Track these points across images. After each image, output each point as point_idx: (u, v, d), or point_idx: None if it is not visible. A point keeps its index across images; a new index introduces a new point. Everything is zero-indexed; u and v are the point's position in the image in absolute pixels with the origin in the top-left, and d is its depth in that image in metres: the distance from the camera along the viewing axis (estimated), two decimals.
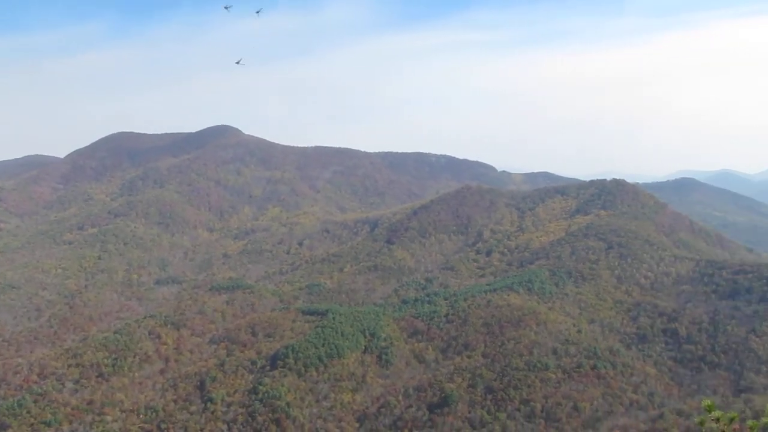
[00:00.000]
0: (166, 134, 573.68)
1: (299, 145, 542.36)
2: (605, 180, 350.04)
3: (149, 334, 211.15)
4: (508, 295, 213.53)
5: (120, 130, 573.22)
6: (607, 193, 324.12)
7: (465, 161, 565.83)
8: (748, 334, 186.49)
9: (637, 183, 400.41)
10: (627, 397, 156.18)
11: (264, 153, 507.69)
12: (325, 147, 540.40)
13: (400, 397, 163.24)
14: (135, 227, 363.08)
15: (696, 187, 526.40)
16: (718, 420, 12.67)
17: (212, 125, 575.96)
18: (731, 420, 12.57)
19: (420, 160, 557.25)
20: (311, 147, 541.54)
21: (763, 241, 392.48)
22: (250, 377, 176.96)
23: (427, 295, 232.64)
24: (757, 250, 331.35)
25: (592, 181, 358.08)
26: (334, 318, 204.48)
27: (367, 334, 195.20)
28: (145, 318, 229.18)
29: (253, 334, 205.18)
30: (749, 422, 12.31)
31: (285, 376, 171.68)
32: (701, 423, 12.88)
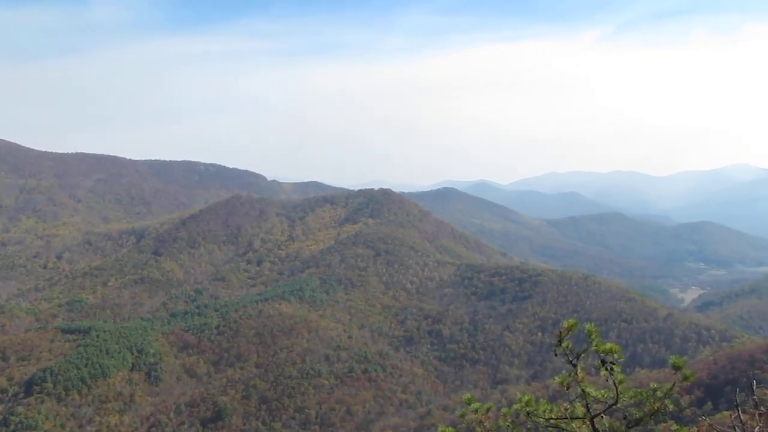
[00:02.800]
0: None
1: (58, 151, 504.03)
2: (373, 189, 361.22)
3: None
4: (280, 304, 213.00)
5: None
6: (375, 202, 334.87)
7: (235, 170, 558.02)
8: (503, 331, 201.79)
9: (403, 192, 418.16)
10: (397, 397, 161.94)
11: (16, 159, 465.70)
12: (87, 153, 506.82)
13: (172, 415, 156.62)
14: None
15: (456, 196, 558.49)
16: (476, 411, 13.19)
17: None
18: (488, 410, 13.24)
19: (189, 168, 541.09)
20: (71, 153, 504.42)
21: (515, 245, 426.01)
22: (0, 407, 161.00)
23: (198, 307, 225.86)
24: (510, 254, 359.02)
25: (360, 191, 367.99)
26: (97, 335, 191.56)
27: (134, 350, 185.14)
28: None
29: (4, 358, 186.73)
30: (503, 410, 12.99)
31: (42, 402, 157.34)
32: (462, 415, 13.44)
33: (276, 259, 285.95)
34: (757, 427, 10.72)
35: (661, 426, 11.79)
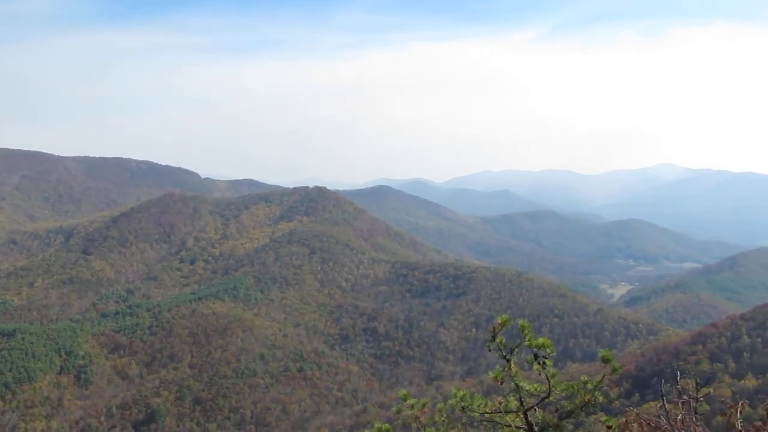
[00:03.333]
0: None
1: None
2: (308, 187, 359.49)
3: None
4: (214, 303, 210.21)
5: None
6: (310, 200, 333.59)
7: (168, 167, 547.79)
8: (437, 328, 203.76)
9: (338, 190, 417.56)
10: (333, 395, 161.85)
11: None
12: (12, 149, 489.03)
13: (102, 418, 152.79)
14: None
15: (391, 193, 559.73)
16: (412, 407, 13.32)
17: None
18: (423, 406, 13.36)
19: (120, 165, 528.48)
20: None
21: (450, 243, 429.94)
22: None
23: (129, 308, 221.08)
24: (444, 251, 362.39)
25: (295, 189, 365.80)
26: (23, 338, 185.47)
27: (62, 353, 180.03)
28: None
29: None
30: (439, 405, 13.13)
31: None
32: (398, 411, 13.53)
33: (210, 258, 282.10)
34: (680, 415, 11.05)
35: (592, 417, 12.09)
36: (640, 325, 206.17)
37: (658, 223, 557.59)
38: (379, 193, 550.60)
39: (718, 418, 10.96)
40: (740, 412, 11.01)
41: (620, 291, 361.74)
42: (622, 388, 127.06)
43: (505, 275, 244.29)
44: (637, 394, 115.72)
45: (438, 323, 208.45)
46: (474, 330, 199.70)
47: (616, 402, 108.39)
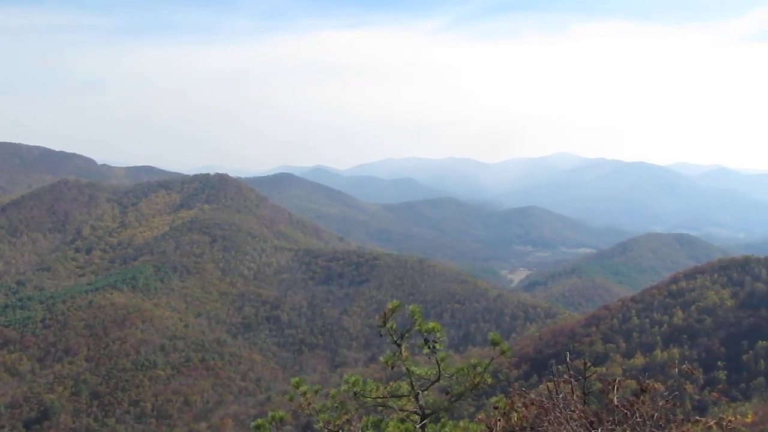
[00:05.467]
0: None
1: None
2: (209, 174, 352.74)
3: None
4: (112, 294, 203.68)
5: None
6: (211, 187, 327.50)
7: (62, 153, 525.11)
8: (341, 315, 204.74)
9: (240, 177, 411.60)
10: (236, 385, 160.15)
11: None
12: None
13: None
14: None
15: (293, 181, 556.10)
16: (305, 394, 13.50)
17: None
18: (316, 392, 13.61)
19: (9, 151, 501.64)
20: None
21: (352, 230, 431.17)
22: None
23: (20, 300, 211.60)
24: (347, 238, 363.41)
25: (196, 176, 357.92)
26: None
27: None
28: None
29: None
30: (332, 392, 13.40)
31: None
32: (290, 399, 13.84)
33: (107, 247, 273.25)
34: (562, 394, 11.52)
35: (493, 399, 12.60)
36: (538, 309, 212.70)
37: (555, 210, 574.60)
38: (282, 180, 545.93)
39: (611, 396, 11.49)
40: (617, 389, 11.42)
41: (519, 276, 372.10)
42: (521, 370, 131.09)
43: (407, 262, 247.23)
44: (535, 376, 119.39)
45: (341, 310, 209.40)
46: (377, 317, 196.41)
47: (516, 384, 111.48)
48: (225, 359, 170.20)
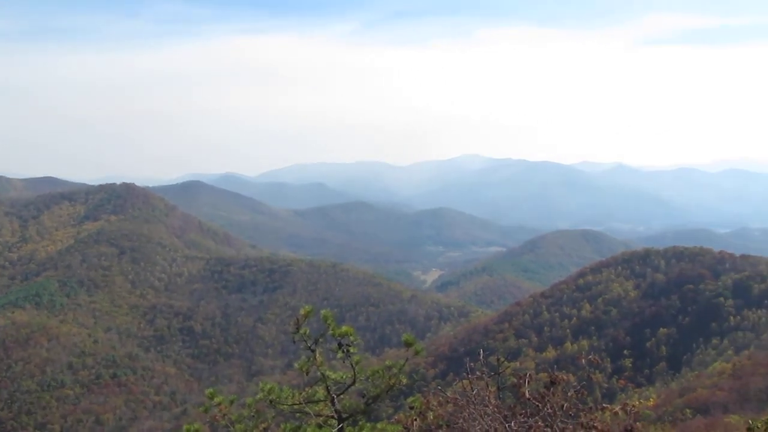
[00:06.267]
0: None
1: None
2: (115, 184, 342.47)
3: None
4: (13, 313, 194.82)
5: None
6: (117, 198, 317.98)
7: None
8: (255, 323, 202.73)
9: (147, 186, 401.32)
10: (150, 399, 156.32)
11: None
12: None
13: None
14: None
15: (203, 189, 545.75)
16: (220, 404, 13.49)
17: None
18: (231, 402, 13.59)
19: None
20: None
21: (264, 237, 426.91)
22: None
23: None
24: (259, 246, 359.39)
25: (101, 186, 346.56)
26: None
27: None
28: None
29: None
30: (247, 400, 13.45)
31: None
32: (205, 410, 13.71)
33: (6, 263, 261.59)
34: (475, 390, 11.89)
35: (410, 399, 12.96)
36: (452, 308, 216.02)
37: (465, 210, 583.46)
38: (191, 188, 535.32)
39: (523, 389, 11.99)
40: (529, 382, 11.88)
41: (432, 277, 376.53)
42: (437, 369, 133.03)
43: (320, 267, 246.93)
44: (451, 374, 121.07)
45: (256, 318, 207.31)
46: (291, 323, 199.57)
47: (433, 383, 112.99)
48: (138, 374, 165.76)
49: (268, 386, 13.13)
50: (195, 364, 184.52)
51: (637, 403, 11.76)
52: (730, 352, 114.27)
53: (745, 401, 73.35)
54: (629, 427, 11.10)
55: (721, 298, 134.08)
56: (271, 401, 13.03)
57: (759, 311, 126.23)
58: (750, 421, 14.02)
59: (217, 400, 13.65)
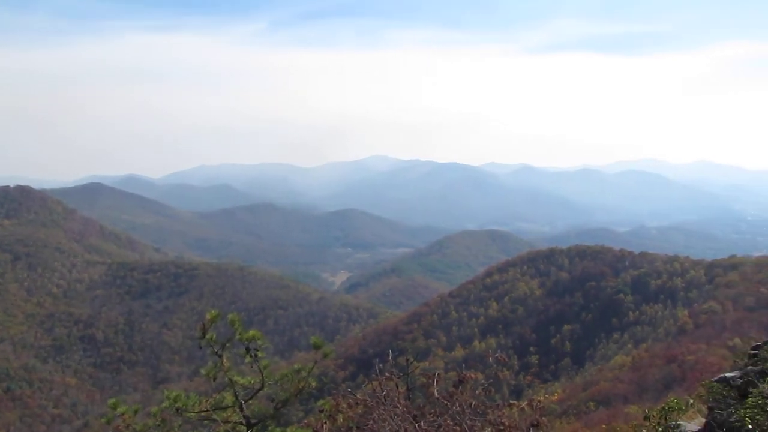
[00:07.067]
0: None
1: None
2: (9, 187, 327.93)
3: None
4: None
5: None
6: (11, 201, 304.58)
7: None
8: (161, 329, 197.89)
9: (45, 189, 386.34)
10: (48, 413, 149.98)
11: None
12: None
13: None
14: None
15: (104, 191, 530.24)
16: (123, 414, 12.99)
17: None
18: (135, 412, 13.14)
19: None
20: None
21: (169, 240, 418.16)
22: None
23: None
24: (164, 249, 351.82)
25: None
26: None
27: None
28: None
29: None
30: (153, 409, 12.95)
31: None
32: (108, 421, 13.08)
33: None
34: (385, 391, 11.80)
35: (320, 402, 12.62)
36: (361, 309, 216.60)
37: (373, 212, 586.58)
38: (91, 191, 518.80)
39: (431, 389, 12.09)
40: (437, 382, 12.10)
41: (341, 278, 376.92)
42: (347, 371, 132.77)
43: (227, 270, 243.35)
44: (361, 375, 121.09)
45: (161, 324, 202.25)
46: (198, 328, 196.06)
47: (343, 385, 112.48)
48: (34, 386, 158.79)
49: (174, 394, 12.67)
50: (97, 374, 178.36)
51: (543, 398, 12.23)
52: (629, 345, 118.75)
53: (643, 392, 76.08)
54: (535, 422, 11.40)
55: (622, 294, 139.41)
56: (177, 409, 12.56)
57: (656, 306, 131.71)
58: (646, 411, 14.95)
59: (120, 410, 13.13)
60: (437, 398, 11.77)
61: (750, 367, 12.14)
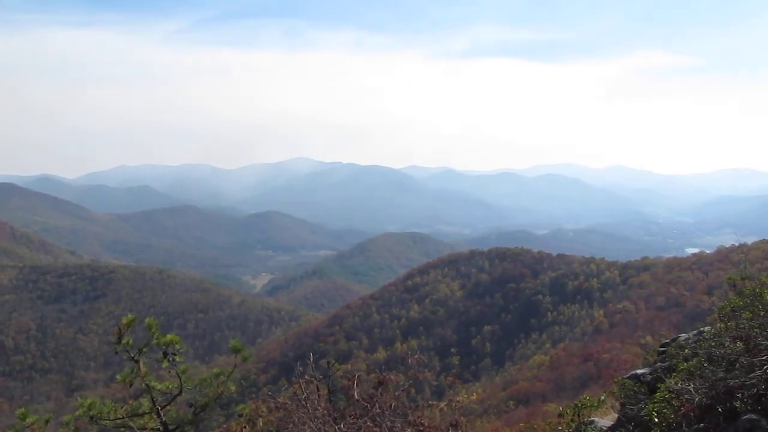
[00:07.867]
0: None
1: None
2: None
3: None
4: None
5: None
6: None
7: None
8: (76, 335, 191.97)
9: None
10: None
11: None
12: None
13: None
14: None
15: (15, 192, 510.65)
16: (32, 424, 12.33)
17: None
18: (46, 422, 12.53)
19: None
20: None
21: (85, 243, 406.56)
22: None
23: None
24: (79, 252, 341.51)
25: None
26: None
27: None
28: None
29: None
30: (65, 418, 12.52)
31: None
32: (17, 431, 12.37)
33: None
34: (305, 394, 11.95)
35: (240, 407, 12.84)
36: (282, 312, 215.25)
37: (295, 214, 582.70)
38: (2, 192, 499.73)
39: (352, 391, 12.33)
40: (358, 384, 12.19)
41: (262, 281, 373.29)
42: (269, 375, 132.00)
43: (146, 273, 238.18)
44: (283, 379, 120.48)
45: (76, 329, 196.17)
46: (114, 333, 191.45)
47: (265, 388, 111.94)
48: None
49: (89, 401, 12.30)
50: (6, 383, 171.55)
51: (462, 398, 12.31)
52: (548, 345, 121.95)
53: (561, 390, 78.27)
54: (455, 422, 11.45)
55: (540, 295, 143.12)
56: (91, 417, 12.22)
57: (573, 306, 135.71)
58: (561, 408, 15.06)
59: (29, 420, 12.52)
60: (358, 400, 11.83)
61: (659, 363, 12.74)
